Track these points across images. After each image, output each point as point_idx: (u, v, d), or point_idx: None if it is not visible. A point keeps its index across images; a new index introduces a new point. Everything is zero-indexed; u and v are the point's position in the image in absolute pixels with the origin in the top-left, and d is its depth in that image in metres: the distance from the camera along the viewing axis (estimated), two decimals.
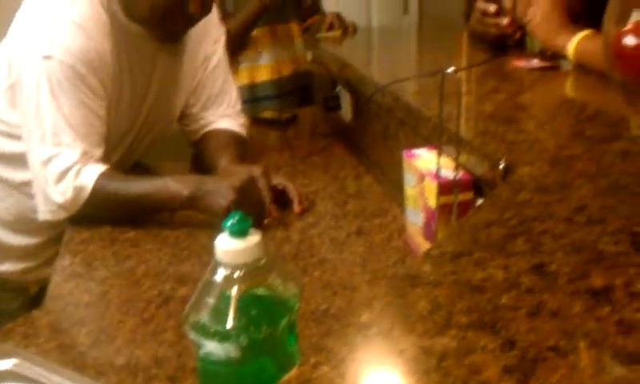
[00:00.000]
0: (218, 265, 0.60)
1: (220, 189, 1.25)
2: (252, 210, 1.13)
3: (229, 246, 0.59)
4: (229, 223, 0.60)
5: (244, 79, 2.29)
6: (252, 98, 2.29)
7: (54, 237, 1.51)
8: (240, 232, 0.59)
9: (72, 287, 1.14)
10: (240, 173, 1.30)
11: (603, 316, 0.56)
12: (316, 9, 2.44)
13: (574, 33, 1.46)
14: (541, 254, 0.67)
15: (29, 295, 1.66)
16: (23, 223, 1.53)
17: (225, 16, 2.16)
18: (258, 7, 2.19)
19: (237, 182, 1.25)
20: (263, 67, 2.33)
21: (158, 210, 1.32)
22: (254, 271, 0.60)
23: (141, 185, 1.34)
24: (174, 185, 1.29)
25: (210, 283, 0.60)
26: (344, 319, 0.94)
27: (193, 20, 1.40)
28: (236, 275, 0.59)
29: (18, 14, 1.39)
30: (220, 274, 0.59)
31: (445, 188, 0.98)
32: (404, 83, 1.41)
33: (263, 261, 0.60)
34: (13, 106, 1.41)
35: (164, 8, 1.33)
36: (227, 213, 1.19)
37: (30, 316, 1.06)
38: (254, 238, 0.60)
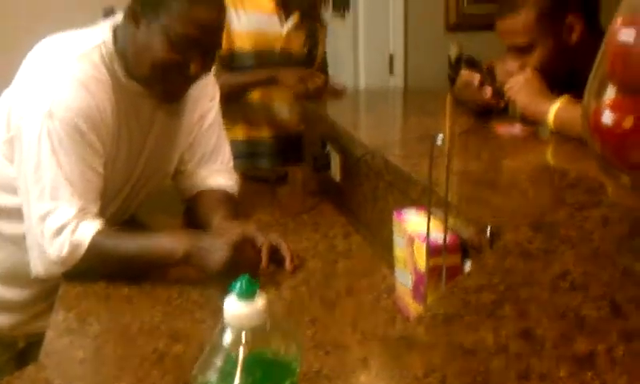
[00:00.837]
0: (225, 326, 0.63)
1: (215, 246, 1.28)
2: (246, 267, 1.17)
3: (236, 309, 0.63)
4: (237, 286, 0.63)
5: (240, 134, 2.35)
6: (248, 154, 2.34)
7: (44, 291, 1.52)
8: (247, 295, 0.63)
9: (67, 343, 1.16)
10: (234, 230, 1.34)
11: (587, 380, 0.60)
12: (324, 71, 2.51)
13: (553, 101, 1.53)
14: (527, 320, 0.71)
15: (17, 349, 1.66)
16: (14, 276, 1.54)
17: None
18: (266, 78, 2.23)
19: (231, 240, 1.28)
20: (261, 122, 2.39)
21: (153, 267, 1.35)
22: (259, 334, 0.63)
23: (137, 242, 1.36)
24: (169, 242, 1.32)
25: (218, 344, 0.63)
26: (337, 380, 0.96)
27: (192, 80, 1.45)
28: (242, 337, 0.62)
29: (21, 69, 1.43)
30: (227, 336, 0.62)
31: (434, 251, 1.02)
32: (392, 146, 1.47)
33: (268, 324, 0.64)
34: (9, 160, 1.43)
35: (164, 67, 1.38)
36: (222, 270, 1.23)
37: (25, 371, 1.07)
38: (261, 301, 0.64)
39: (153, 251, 1.33)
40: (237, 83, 2.20)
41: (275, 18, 2.28)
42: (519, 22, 1.63)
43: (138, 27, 1.37)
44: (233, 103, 2.32)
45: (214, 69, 1.64)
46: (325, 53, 2.54)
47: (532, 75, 1.62)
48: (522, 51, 1.66)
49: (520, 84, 1.62)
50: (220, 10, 1.42)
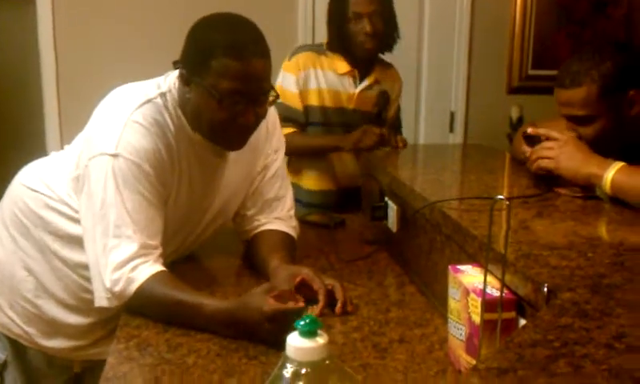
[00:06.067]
0: (286, 360, 0.66)
1: (253, 319, 1.26)
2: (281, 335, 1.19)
3: (298, 344, 0.66)
4: (300, 323, 0.66)
5: (311, 185, 2.44)
6: (310, 204, 2.41)
7: (103, 319, 1.59)
8: (310, 332, 0.66)
9: (126, 370, 1.20)
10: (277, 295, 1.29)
11: None
12: (397, 128, 2.58)
13: (601, 162, 1.52)
14: (582, 377, 0.72)
15: (72, 374, 1.72)
16: (77, 302, 1.60)
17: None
18: (331, 146, 2.34)
19: (268, 313, 1.25)
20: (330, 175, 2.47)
21: (193, 326, 1.34)
22: (318, 370, 0.66)
23: (183, 297, 1.37)
24: (212, 307, 1.33)
25: (279, 378, 0.65)
26: None
27: (250, 128, 1.49)
28: (303, 372, 0.65)
29: (93, 114, 1.53)
30: (288, 370, 0.65)
31: (490, 305, 1.03)
32: (450, 200, 1.49)
33: (327, 361, 0.66)
34: (77, 194, 1.52)
35: (219, 125, 1.44)
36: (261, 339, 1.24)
37: None
38: (322, 339, 0.66)
39: (195, 313, 1.34)
40: (303, 145, 2.31)
41: (349, 80, 2.38)
42: (580, 95, 1.62)
43: (190, 89, 1.44)
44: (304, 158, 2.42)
45: (279, 123, 1.72)
46: (399, 109, 2.60)
47: (572, 139, 1.60)
48: (578, 122, 1.64)
49: (558, 152, 1.60)
50: (257, 57, 1.41)
